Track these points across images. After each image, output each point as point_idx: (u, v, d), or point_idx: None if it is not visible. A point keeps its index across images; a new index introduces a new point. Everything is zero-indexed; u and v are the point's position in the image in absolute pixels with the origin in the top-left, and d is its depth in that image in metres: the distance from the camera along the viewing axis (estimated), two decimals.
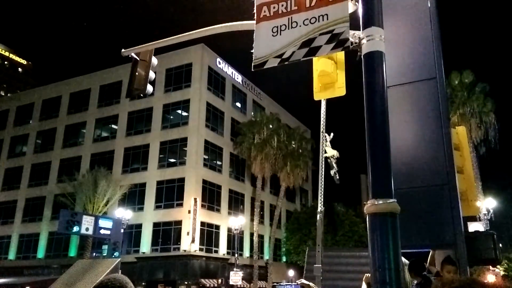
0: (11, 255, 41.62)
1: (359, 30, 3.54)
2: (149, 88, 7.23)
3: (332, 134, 8.95)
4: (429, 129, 4.71)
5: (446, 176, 4.50)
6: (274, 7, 4.01)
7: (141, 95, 7.42)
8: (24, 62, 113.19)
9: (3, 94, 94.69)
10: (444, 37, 5.10)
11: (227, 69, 41.99)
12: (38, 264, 39.08)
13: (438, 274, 5.52)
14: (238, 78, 43.60)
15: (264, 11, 4.04)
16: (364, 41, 3.41)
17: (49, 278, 28.60)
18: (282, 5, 3.96)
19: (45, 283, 20.79)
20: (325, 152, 8.39)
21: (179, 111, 38.60)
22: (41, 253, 40.10)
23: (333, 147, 9.18)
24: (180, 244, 33.97)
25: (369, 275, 4.43)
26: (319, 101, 7.64)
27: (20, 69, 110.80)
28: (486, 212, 27.65)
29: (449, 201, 4.44)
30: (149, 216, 36.05)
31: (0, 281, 37.53)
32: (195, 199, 34.24)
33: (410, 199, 4.28)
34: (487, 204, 28.14)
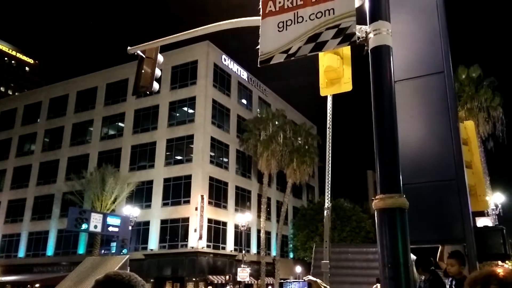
0: (21, 253, 42.05)
1: (366, 24, 3.51)
2: (155, 85, 7.25)
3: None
4: (437, 124, 4.67)
5: (455, 171, 4.45)
6: (279, 2, 3.98)
7: (147, 92, 7.43)
8: (31, 61, 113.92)
9: (10, 93, 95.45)
10: (451, 31, 5.05)
11: (232, 66, 41.95)
12: (47, 261, 39.47)
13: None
14: (244, 75, 43.56)
15: (270, 6, 4.02)
16: (371, 35, 3.38)
17: (58, 276, 28.84)
18: (288, 0, 3.93)
19: (55, 281, 20.94)
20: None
21: (185, 109, 38.67)
22: (50, 250, 40.48)
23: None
24: (187, 241, 34.12)
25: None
26: (325, 97, 7.62)
27: (27, 68, 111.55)
28: (494, 207, 27.43)
29: (458, 196, 4.40)
30: (157, 213, 36.23)
31: (10, 279, 37.97)
32: (202, 196, 34.34)
33: (418, 194, 4.25)
34: (495, 199, 27.92)
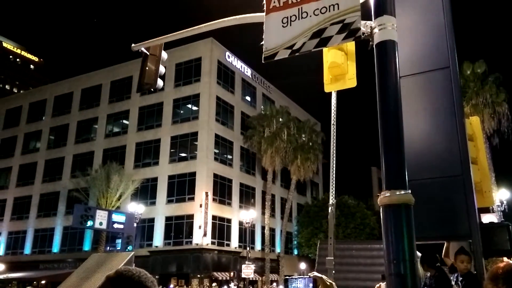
0: (27, 249, 42.36)
1: (371, 19, 3.48)
2: (160, 82, 7.25)
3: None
4: (443, 119, 4.64)
5: (461, 167, 4.43)
6: None
7: (152, 89, 7.44)
8: (35, 59, 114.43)
9: (15, 91, 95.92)
10: (456, 26, 5.01)
11: (236, 63, 41.90)
12: (53, 258, 39.73)
13: (453, 266, 5.47)
14: (248, 71, 43.49)
15: (274, 2, 3.99)
16: (376, 30, 3.35)
17: (64, 272, 29.04)
18: None
19: (61, 277, 21.09)
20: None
21: (189, 106, 38.69)
22: (56, 247, 40.74)
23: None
24: (192, 238, 34.22)
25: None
26: (329, 93, 7.59)
27: (32, 66, 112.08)
28: (500, 204, 27.30)
29: (463, 192, 4.37)
30: (161, 210, 36.35)
31: (16, 276, 38.26)
32: (206, 193, 34.40)
33: (424, 190, 4.22)
34: (501, 195, 27.79)
